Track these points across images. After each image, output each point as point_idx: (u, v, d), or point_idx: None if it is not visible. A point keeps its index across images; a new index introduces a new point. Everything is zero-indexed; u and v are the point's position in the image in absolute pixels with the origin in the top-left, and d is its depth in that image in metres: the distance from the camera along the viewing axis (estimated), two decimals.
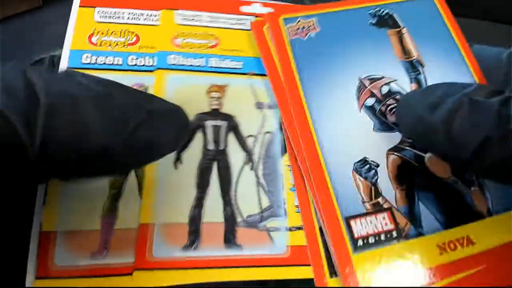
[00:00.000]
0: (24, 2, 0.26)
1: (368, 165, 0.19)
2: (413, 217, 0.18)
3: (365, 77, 0.21)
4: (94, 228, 0.17)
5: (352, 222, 0.17)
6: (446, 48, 0.22)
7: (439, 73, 0.21)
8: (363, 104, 0.20)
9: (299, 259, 0.18)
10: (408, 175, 0.19)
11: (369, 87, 0.21)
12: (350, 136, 0.19)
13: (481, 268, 0.17)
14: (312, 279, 0.17)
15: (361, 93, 0.21)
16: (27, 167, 0.11)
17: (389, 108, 0.20)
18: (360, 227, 0.17)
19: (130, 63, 0.21)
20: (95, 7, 0.22)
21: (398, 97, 0.21)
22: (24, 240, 0.16)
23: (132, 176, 0.18)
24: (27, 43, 0.26)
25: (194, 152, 0.19)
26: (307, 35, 0.22)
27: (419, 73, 0.22)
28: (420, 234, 0.18)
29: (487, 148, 0.13)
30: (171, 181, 0.18)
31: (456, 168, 0.19)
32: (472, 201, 0.19)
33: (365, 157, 0.19)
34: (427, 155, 0.19)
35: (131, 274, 0.16)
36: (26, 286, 0.16)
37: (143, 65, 0.21)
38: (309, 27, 0.22)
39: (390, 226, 0.18)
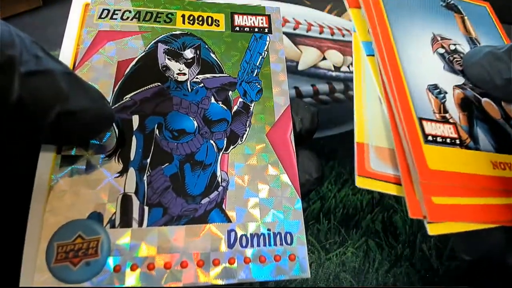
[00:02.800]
0: (24, 2, 0.25)
1: (438, 90, 0.22)
2: (472, 135, 0.21)
3: (437, 34, 0.26)
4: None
5: (424, 122, 0.20)
6: (496, 43, 0.27)
7: None
8: (435, 50, 0.25)
9: None
10: (469, 106, 0.23)
11: (440, 41, 0.25)
12: (426, 68, 0.23)
13: None
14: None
15: (434, 43, 0.25)
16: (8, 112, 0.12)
17: (455, 60, 0.25)
18: (430, 128, 0.20)
19: None
20: None
21: (462, 55, 0.25)
22: None
23: None
24: None
25: None
26: None
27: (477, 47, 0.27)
28: (477, 149, 0.21)
29: None
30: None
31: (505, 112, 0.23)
32: None
33: (436, 83, 0.23)
34: (483, 99, 0.23)
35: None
36: None
37: None
38: None
39: (454, 135, 0.21)
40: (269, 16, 0.23)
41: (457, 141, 0.21)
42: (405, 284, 0.28)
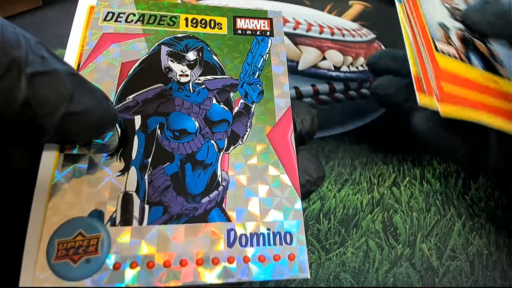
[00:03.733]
0: (24, 2, 0.25)
1: (445, 26, 0.30)
2: (469, 58, 0.29)
3: None
4: None
5: (436, 41, 0.27)
6: None
7: None
8: (443, 3, 0.33)
9: None
10: (466, 41, 0.31)
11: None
12: (437, 12, 0.31)
13: None
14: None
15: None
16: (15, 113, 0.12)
17: (456, 12, 0.33)
18: (441, 45, 0.27)
19: None
20: None
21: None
22: None
23: None
24: None
25: None
26: None
27: None
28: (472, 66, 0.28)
29: None
30: None
31: None
32: None
33: (444, 22, 0.30)
34: (476, 40, 0.31)
35: None
36: None
37: None
38: None
39: (455, 53, 0.27)
40: (271, 19, 0.23)
41: (458, 58, 0.28)
42: (405, 284, 0.28)
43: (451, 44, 0.28)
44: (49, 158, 0.17)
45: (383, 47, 0.47)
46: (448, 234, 0.31)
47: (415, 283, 0.28)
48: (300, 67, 0.41)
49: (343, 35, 0.46)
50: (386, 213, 0.31)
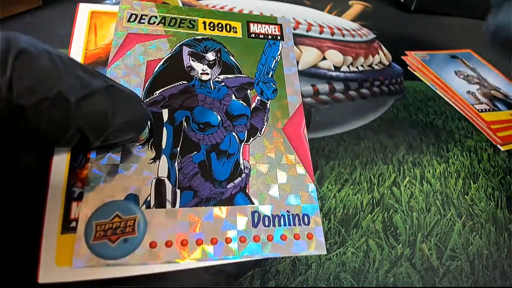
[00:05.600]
0: (24, 2, 0.25)
1: (472, 92, 0.45)
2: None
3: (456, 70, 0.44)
4: None
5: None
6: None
7: None
8: (459, 77, 0.46)
9: None
10: (488, 96, 0.47)
11: (459, 72, 0.45)
12: (460, 83, 0.46)
13: None
14: None
15: (457, 74, 0.49)
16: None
17: (468, 78, 0.48)
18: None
19: None
20: None
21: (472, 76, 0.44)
22: None
23: None
24: None
25: None
26: None
27: None
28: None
29: None
30: None
31: None
32: None
33: (470, 90, 0.43)
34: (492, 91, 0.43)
35: None
36: None
37: None
38: None
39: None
40: (280, 25, 0.26)
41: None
42: (405, 284, 0.28)
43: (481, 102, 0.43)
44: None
45: (383, 47, 0.47)
46: (448, 234, 0.31)
47: (415, 283, 0.28)
48: (300, 67, 0.41)
49: (343, 35, 0.46)
50: (386, 213, 0.31)
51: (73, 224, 0.16)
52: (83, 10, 0.22)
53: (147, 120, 0.18)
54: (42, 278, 0.15)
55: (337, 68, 0.42)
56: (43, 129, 0.14)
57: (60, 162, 0.17)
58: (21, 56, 0.12)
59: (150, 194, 0.18)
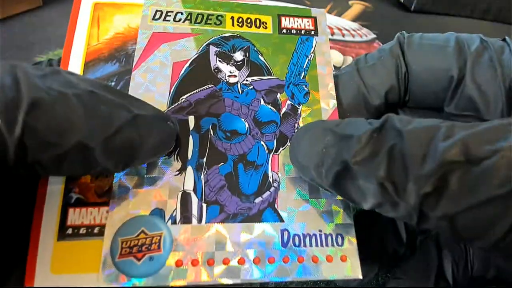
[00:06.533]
0: (24, 2, 0.25)
1: None
2: None
3: None
4: None
5: None
6: None
7: None
8: None
9: None
10: None
11: None
12: None
13: None
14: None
15: None
16: (6, 167, 0.11)
17: None
18: None
19: None
20: None
21: None
22: None
23: None
24: (27, 43, 0.25)
25: None
26: None
27: None
28: None
29: None
30: None
31: None
32: None
33: None
34: None
35: None
36: None
37: None
38: None
39: None
40: (315, 18, 0.23)
41: None
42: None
43: None
44: None
45: None
46: None
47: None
48: None
49: (343, 35, 0.46)
50: None
51: (69, 231, 0.16)
52: (86, 2, 0.21)
53: (174, 138, 0.17)
54: (38, 282, 0.15)
55: (337, 68, 0.42)
56: (64, 172, 0.14)
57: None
58: (33, 111, 0.11)
59: (176, 209, 0.17)
